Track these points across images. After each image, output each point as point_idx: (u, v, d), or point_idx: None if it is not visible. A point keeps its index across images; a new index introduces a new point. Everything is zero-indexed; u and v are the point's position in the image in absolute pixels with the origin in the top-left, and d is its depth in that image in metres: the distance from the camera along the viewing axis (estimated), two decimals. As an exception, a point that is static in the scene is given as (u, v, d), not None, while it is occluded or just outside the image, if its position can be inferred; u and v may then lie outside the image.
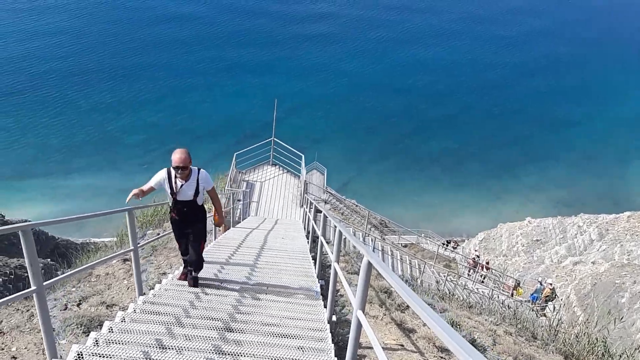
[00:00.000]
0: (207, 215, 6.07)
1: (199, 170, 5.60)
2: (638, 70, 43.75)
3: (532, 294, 18.87)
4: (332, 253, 4.85)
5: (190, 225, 5.81)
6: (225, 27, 44.67)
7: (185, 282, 5.96)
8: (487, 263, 21.77)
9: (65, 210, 25.73)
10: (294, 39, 43.79)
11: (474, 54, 43.94)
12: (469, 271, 20.55)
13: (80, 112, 33.78)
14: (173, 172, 5.40)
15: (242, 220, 14.43)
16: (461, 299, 8.63)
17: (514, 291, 18.86)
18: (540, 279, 19.47)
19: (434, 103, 37.96)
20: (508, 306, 9.86)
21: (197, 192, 5.57)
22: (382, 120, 36.15)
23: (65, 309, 5.44)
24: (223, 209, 14.41)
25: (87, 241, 17.38)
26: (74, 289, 6.36)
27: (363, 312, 3.12)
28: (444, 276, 15.99)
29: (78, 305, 5.65)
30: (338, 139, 33.99)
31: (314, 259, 7.99)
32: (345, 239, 4.29)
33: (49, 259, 12.01)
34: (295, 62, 40.91)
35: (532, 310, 15.69)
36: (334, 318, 4.89)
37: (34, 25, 41.94)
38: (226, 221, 5.08)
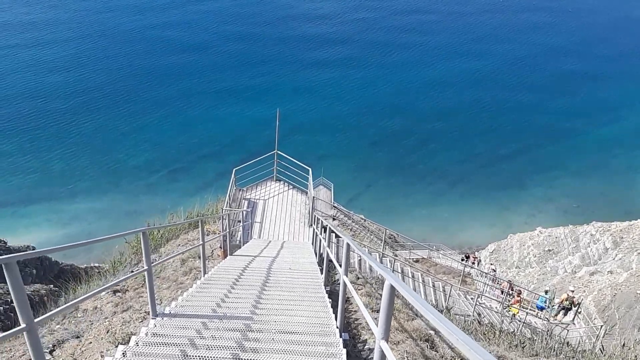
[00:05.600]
0: None
1: None
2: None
3: (537, 303, 18.09)
4: (376, 325, 3.06)
5: None
6: (230, 51, 45.08)
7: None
8: (520, 292, 19.49)
9: (69, 234, 25.42)
10: (299, 61, 44.13)
11: (481, 72, 44.00)
12: (502, 294, 18.39)
13: (82, 134, 33.72)
14: None
15: (243, 244, 13.01)
16: (510, 331, 7.84)
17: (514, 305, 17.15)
18: (547, 289, 18.81)
19: (439, 117, 37.81)
20: (568, 343, 8.91)
21: None
22: (387, 136, 35.95)
23: None
24: (222, 232, 11.02)
25: (91, 266, 17.00)
26: (58, 326, 5.76)
27: None
28: (472, 299, 14.89)
29: (51, 352, 4.99)
30: (343, 155, 33.72)
31: (329, 293, 6.77)
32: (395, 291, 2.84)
33: (51, 285, 11.65)
34: (299, 82, 41.02)
35: (549, 319, 15.17)
36: None
37: (36, 51, 42.29)
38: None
